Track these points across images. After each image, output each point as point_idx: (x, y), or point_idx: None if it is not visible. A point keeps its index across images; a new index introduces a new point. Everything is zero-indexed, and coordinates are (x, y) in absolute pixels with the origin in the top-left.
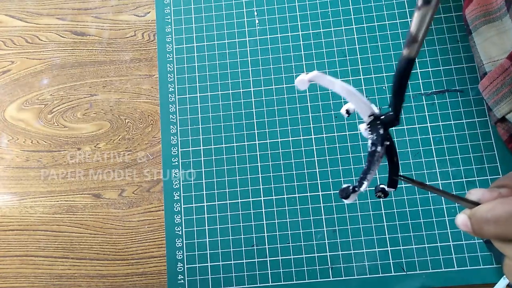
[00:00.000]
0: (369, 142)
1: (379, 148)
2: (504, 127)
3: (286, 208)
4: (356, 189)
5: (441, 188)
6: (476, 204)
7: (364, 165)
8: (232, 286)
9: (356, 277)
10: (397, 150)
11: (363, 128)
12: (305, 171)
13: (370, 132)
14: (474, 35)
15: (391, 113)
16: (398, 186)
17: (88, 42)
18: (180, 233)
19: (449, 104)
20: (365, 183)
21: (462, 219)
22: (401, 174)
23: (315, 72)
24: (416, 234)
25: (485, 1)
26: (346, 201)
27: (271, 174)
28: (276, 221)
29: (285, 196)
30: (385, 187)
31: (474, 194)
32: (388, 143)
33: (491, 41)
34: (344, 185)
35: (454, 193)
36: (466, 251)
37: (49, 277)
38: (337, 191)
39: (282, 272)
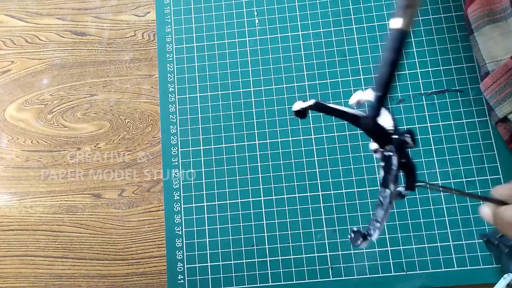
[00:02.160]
0: (381, 170)
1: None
2: (505, 126)
3: (286, 208)
4: (368, 237)
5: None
6: (501, 202)
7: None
8: (232, 286)
9: (356, 277)
10: None
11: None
12: (305, 171)
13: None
14: (476, 34)
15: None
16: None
17: (88, 42)
18: (180, 233)
19: (449, 104)
20: (378, 232)
21: (486, 212)
22: (422, 180)
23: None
24: (416, 234)
25: (488, 1)
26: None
27: (271, 174)
28: (276, 221)
29: (285, 196)
30: (402, 190)
31: (499, 192)
32: (404, 160)
33: (495, 40)
34: (354, 229)
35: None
36: (466, 251)
37: (49, 277)
38: (337, 192)
39: (282, 272)
